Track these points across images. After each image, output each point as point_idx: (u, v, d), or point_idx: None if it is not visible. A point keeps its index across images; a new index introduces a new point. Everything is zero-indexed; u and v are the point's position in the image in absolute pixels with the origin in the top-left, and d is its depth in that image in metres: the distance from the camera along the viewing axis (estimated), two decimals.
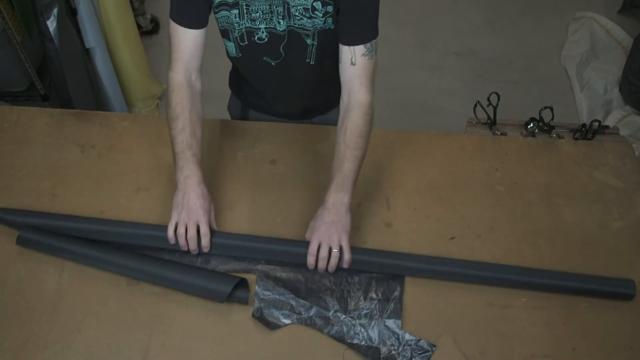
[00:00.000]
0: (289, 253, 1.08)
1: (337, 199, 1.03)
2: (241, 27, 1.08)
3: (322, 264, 1.03)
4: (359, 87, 1.06)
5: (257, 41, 1.10)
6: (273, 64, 1.15)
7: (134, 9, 2.44)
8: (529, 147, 1.32)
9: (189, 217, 1.03)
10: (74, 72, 1.93)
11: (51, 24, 1.77)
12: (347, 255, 1.02)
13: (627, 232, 1.17)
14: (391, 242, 1.14)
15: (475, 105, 1.54)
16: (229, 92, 1.46)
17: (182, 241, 1.04)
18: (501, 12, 3.01)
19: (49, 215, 1.13)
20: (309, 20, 1.05)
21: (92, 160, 1.25)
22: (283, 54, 1.13)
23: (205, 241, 1.05)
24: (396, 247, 1.13)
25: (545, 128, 1.51)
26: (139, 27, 2.59)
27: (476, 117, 1.57)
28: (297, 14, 1.04)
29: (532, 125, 1.52)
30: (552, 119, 1.47)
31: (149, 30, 2.73)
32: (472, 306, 1.06)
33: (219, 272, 1.06)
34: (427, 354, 0.98)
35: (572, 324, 1.04)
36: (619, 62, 2.59)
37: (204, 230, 1.04)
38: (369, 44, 1.05)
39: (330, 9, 1.03)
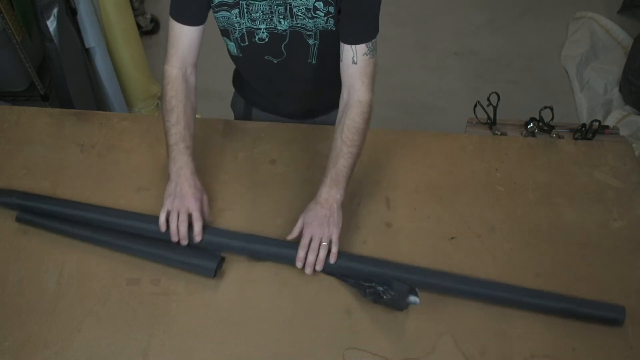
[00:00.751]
0: (280, 254, 1.08)
1: (331, 195, 1.05)
2: (242, 27, 1.09)
3: (311, 257, 1.04)
4: (360, 85, 1.06)
5: (258, 41, 1.11)
6: (275, 62, 1.15)
7: (134, 9, 2.44)
8: (529, 147, 1.32)
9: (181, 204, 1.04)
10: (74, 72, 1.93)
11: (51, 24, 1.77)
12: (334, 248, 1.04)
13: (627, 232, 1.17)
14: (391, 242, 1.14)
15: (475, 105, 1.54)
16: (229, 91, 1.46)
17: (173, 227, 1.04)
18: (501, 12, 3.01)
19: (43, 199, 1.15)
20: (310, 21, 1.05)
21: (92, 160, 1.25)
22: (285, 53, 1.13)
23: (198, 227, 1.05)
24: (396, 247, 1.13)
25: (545, 128, 1.51)
26: (139, 27, 2.59)
27: (476, 117, 1.57)
28: (299, 14, 1.04)
29: (532, 125, 1.52)
30: (552, 119, 1.47)
31: (149, 30, 2.74)
32: (472, 306, 1.06)
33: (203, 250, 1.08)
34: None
35: (572, 324, 1.04)
36: (619, 62, 2.59)
37: (196, 216, 1.05)
38: (370, 43, 1.05)
39: (332, 9, 1.03)
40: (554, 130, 1.49)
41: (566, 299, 1.05)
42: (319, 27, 1.06)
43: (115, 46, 2.14)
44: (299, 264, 1.05)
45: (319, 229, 1.03)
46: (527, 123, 1.53)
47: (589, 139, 1.41)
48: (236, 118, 1.47)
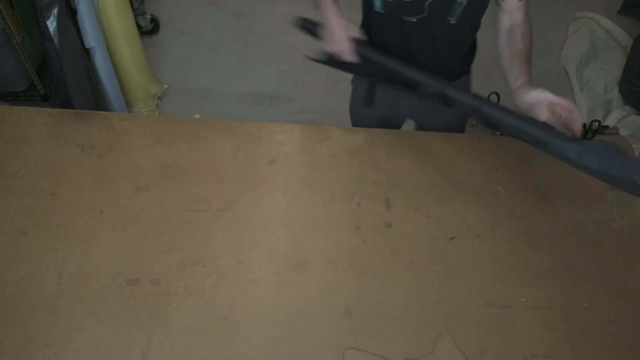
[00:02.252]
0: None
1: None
2: None
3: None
4: (520, 19, 1.15)
5: None
6: (414, 20, 1.17)
7: (134, 9, 2.44)
8: (529, 147, 1.31)
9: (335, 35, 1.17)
10: (74, 72, 1.93)
11: (51, 24, 1.77)
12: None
13: (627, 232, 1.17)
14: (391, 242, 1.14)
15: None
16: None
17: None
18: None
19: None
20: None
21: (92, 160, 1.25)
22: (427, 11, 1.14)
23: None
24: (396, 247, 1.13)
25: None
26: (139, 27, 2.59)
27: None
28: None
29: None
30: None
31: (149, 30, 2.74)
32: (472, 306, 1.06)
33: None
34: None
35: (572, 324, 1.04)
36: (619, 62, 2.59)
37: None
38: None
39: None
40: None
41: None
42: None
43: (115, 46, 2.14)
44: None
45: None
46: None
47: (589, 139, 1.41)
48: (356, 100, 1.48)
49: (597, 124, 1.42)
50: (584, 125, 1.43)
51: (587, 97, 2.56)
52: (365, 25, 1.30)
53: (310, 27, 1.28)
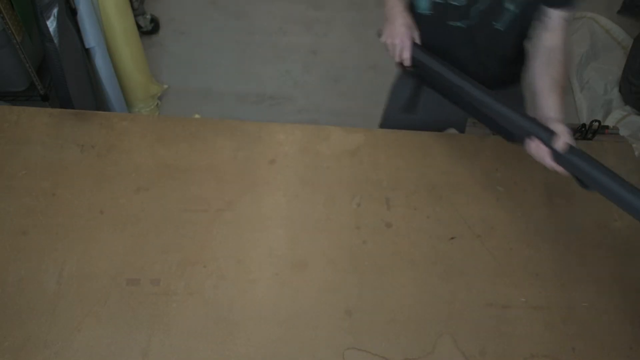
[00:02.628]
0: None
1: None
2: None
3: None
4: (561, 42, 1.10)
5: (452, 2, 1.13)
6: (460, 26, 1.16)
7: (134, 9, 2.44)
8: None
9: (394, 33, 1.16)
10: (74, 72, 1.93)
11: (51, 24, 1.77)
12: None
13: (627, 232, 1.17)
14: (391, 242, 1.14)
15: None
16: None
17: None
18: None
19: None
20: None
21: (92, 160, 1.25)
22: (475, 18, 1.14)
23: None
24: (396, 247, 1.13)
25: None
26: (139, 27, 2.59)
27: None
28: None
29: None
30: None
31: (149, 30, 2.74)
32: (472, 306, 1.06)
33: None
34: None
35: (572, 324, 1.04)
36: (619, 62, 2.59)
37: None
38: (573, 9, 1.10)
39: None
40: None
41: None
42: None
43: (115, 46, 2.14)
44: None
45: None
46: None
47: (589, 139, 1.41)
48: (393, 104, 1.47)
49: (597, 124, 1.42)
50: (584, 125, 1.43)
51: (587, 97, 2.56)
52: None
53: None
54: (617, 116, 2.42)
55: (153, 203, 1.18)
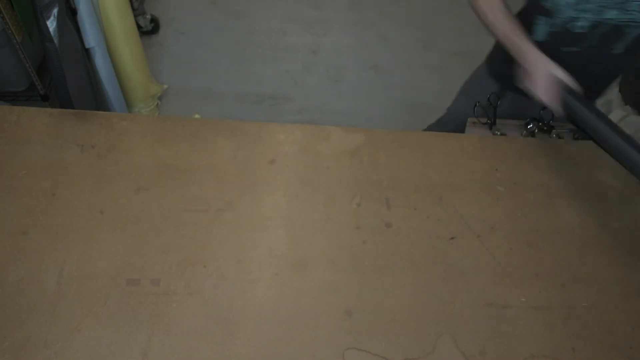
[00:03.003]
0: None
1: None
2: (567, 14, 1.07)
3: None
4: None
5: (573, 30, 1.09)
6: (576, 49, 1.14)
7: (134, 9, 2.45)
8: (529, 147, 1.32)
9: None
10: (74, 72, 1.93)
11: (51, 24, 1.77)
12: None
13: (627, 232, 1.17)
14: (391, 242, 1.14)
15: (475, 105, 1.54)
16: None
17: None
18: None
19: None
20: None
21: (92, 160, 1.25)
22: (594, 42, 1.11)
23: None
24: (396, 247, 1.13)
25: (545, 128, 1.51)
26: (139, 27, 2.59)
27: (476, 117, 1.57)
28: (634, 9, 1.04)
29: (532, 125, 1.52)
30: (552, 118, 1.47)
31: (149, 30, 2.74)
32: (472, 306, 1.06)
33: None
34: None
35: (572, 324, 1.04)
36: None
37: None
38: None
39: None
40: (553, 130, 1.49)
41: None
42: None
43: (115, 46, 2.14)
44: None
45: None
46: (527, 123, 1.53)
47: (589, 139, 1.41)
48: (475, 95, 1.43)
49: None
50: None
51: None
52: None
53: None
54: (617, 116, 2.42)
55: (153, 203, 1.18)
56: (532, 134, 1.52)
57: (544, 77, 1.08)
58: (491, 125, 1.56)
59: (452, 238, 1.15)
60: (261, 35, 2.78)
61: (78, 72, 1.97)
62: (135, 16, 2.49)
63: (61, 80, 1.89)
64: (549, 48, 1.15)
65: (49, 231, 1.13)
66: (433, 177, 1.25)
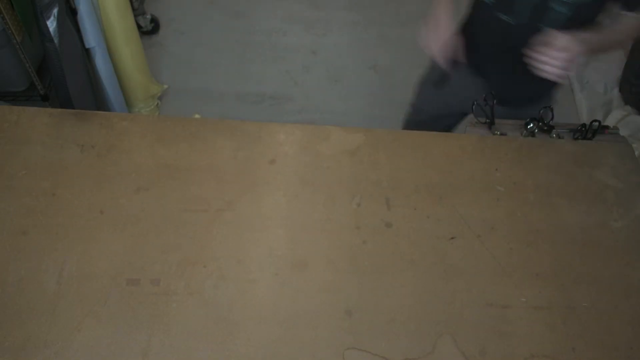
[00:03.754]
0: None
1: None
2: None
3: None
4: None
5: None
6: (511, 21, 1.20)
7: (134, 9, 2.45)
8: (529, 147, 1.32)
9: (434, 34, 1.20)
10: (74, 72, 1.93)
11: (51, 24, 1.77)
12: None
13: (627, 232, 1.17)
14: (391, 242, 1.14)
15: (473, 104, 1.54)
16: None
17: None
18: None
19: None
20: None
21: (92, 160, 1.25)
22: (526, 17, 1.17)
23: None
24: (396, 247, 1.13)
25: (545, 128, 1.51)
26: (139, 27, 2.59)
27: (475, 117, 1.57)
28: None
29: (532, 125, 1.52)
30: (552, 119, 1.47)
31: (149, 30, 2.74)
32: (472, 306, 1.06)
33: None
34: None
35: (572, 324, 1.04)
36: (619, 62, 2.60)
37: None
38: None
39: None
40: (553, 131, 1.49)
41: None
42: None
43: (115, 46, 2.14)
44: None
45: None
46: (527, 123, 1.53)
47: (588, 139, 1.41)
48: (427, 77, 1.54)
49: (597, 124, 1.42)
50: (584, 125, 1.43)
51: (587, 97, 2.56)
52: (470, 19, 1.35)
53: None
54: (617, 116, 2.42)
55: (153, 203, 1.18)
56: (532, 134, 1.52)
57: (440, 34, 1.20)
58: (491, 125, 1.56)
59: (452, 238, 1.15)
60: (261, 35, 2.78)
61: (78, 72, 1.97)
62: (135, 16, 2.49)
63: (61, 80, 1.89)
64: (494, 8, 1.23)
65: (49, 231, 1.13)
66: (433, 177, 1.25)
